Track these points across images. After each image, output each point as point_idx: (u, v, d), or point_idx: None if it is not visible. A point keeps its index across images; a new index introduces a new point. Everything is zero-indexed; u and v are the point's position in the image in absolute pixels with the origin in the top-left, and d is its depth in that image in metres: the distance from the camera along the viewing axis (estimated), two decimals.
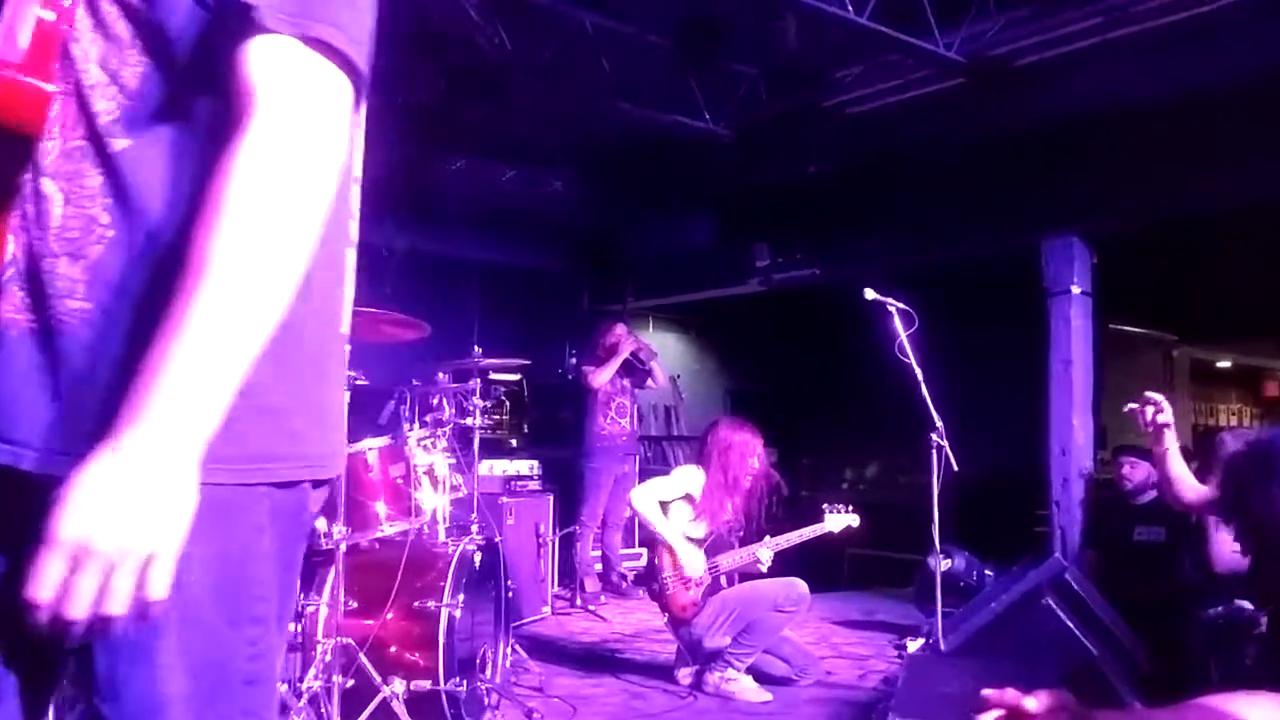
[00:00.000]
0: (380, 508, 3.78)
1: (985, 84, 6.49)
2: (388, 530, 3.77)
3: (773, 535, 5.18)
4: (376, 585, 3.72)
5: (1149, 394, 3.37)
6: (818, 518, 5.33)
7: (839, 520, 5.32)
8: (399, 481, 3.84)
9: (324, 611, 3.64)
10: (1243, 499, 2.35)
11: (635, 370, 7.77)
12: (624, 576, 7.59)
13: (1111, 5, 5.95)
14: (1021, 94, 6.52)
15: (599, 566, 7.67)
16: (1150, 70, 6.17)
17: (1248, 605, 4.13)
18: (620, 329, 7.81)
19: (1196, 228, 7.23)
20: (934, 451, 4.74)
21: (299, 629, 3.65)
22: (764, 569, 5.12)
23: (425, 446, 4.05)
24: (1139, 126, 6.48)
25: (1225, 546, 4.97)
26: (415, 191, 8.50)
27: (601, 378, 7.50)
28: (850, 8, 5.82)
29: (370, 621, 3.68)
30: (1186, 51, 5.95)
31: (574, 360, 9.13)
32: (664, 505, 5.04)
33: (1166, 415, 3.33)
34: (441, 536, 4.04)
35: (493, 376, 8.24)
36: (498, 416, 8.43)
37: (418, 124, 7.58)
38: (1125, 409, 3.43)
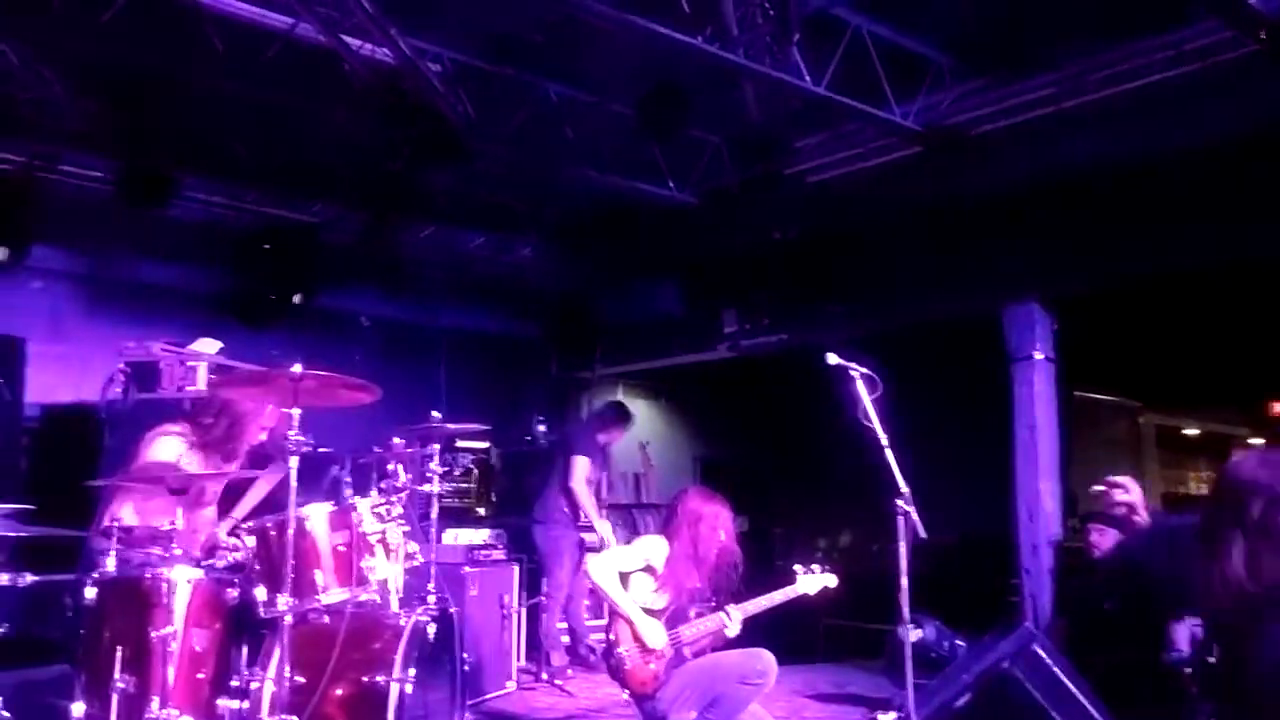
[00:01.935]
0: (319, 576, 3.67)
1: (943, 152, 6.59)
2: (324, 599, 3.66)
3: (740, 602, 5.04)
4: (324, 659, 3.59)
5: (1112, 477, 3.33)
6: (790, 583, 5.16)
7: (813, 581, 5.12)
8: (341, 549, 3.74)
9: (269, 687, 3.51)
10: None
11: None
12: (592, 649, 7.42)
13: (1064, 75, 6.07)
14: (979, 162, 6.62)
15: (566, 639, 7.52)
16: (1106, 137, 6.29)
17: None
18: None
19: (1159, 293, 7.30)
20: (900, 518, 4.68)
21: (244, 706, 3.52)
22: (731, 634, 4.97)
23: (379, 514, 3.95)
24: (1097, 192, 6.59)
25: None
26: (384, 259, 8.50)
27: (583, 494, 7.38)
28: (808, 78, 5.91)
29: (316, 697, 3.55)
30: (1142, 119, 6.07)
31: (542, 427, 9.06)
32: (624, 576, 4.92)
33: (1132, 495, 3.28)
34: (394, 607, 3.93)
35: (460, 444, 8.19)
36: (465, 485, 8.33)
37: (385, 192, 7.61)
38: (1091, 490, 3.39)
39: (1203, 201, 6.21)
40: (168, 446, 4.16)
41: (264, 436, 4.39)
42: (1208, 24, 5.46)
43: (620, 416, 7.88)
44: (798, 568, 5.20)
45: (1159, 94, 5.82)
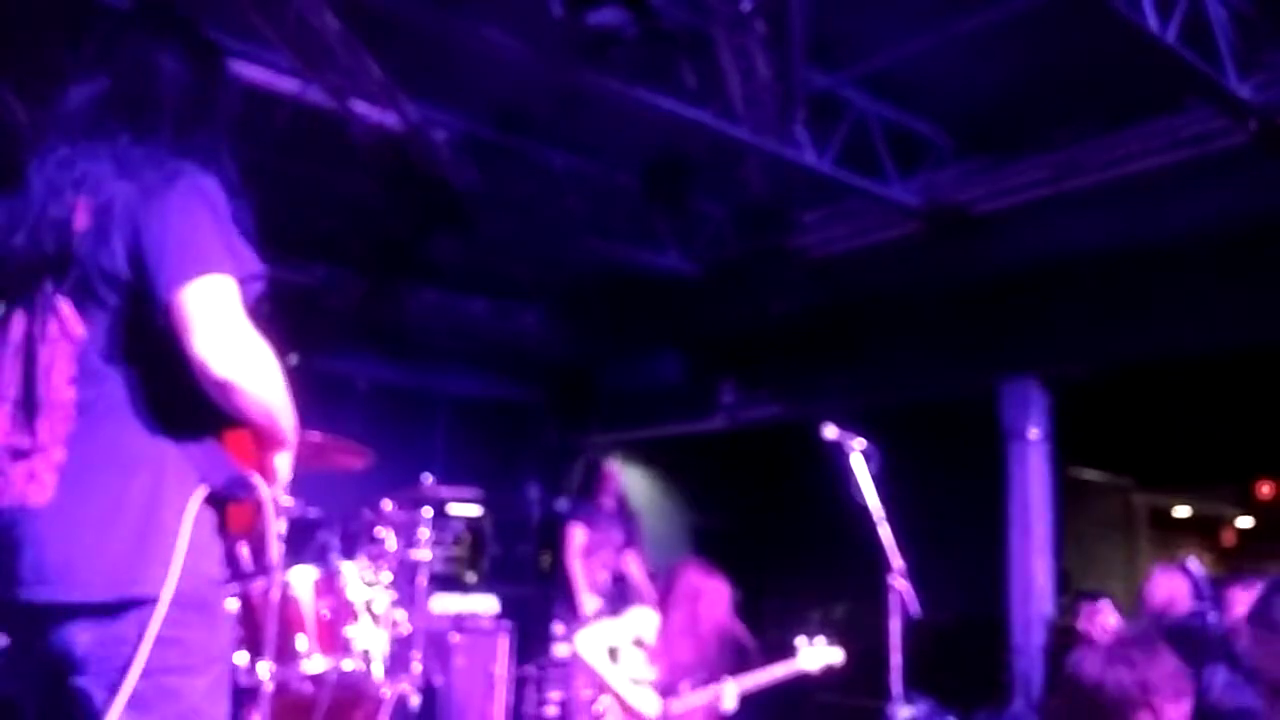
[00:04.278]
0: (301, 642, 3.61)
1: (944, 230, 6.65)
2: (307, 667, 3.60)
3: (737, 676, 4.91)
4: None
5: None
6: (788, 656, 4.94)
7: (816, 655, 4.89)
8: (325, 615, 3.68)
9: None
10: None
11: (630, 521, 7.36)
12: None
13: (1062, 157, 6.15)
14: (980, 239, 6.68)
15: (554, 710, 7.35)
16: (1104, 219, 6.36)
17: None
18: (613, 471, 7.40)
19: (1154, 374, 7.33)
20: (894, 594, 4.61)
21: None
22: (727, 708, 4.85)
23: (366, 580, 3.91)
24: (1096, 273, 6.64)
25: None
26: (384, 323, 8.54)
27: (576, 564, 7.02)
28: (812, 154, 5.99)
29: None
30: (1139, 202, 6.13)
31: (536, 495, 9.00)
32: (613, 651, 4.83)
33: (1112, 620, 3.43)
34: (378, 676, 3.86)
35: (453, 510, 8.11)
36: (456, 550, 8.24)
37: (388, 256, 7.67)
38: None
39: (1198, 286, 6.27)
40: None
41: None
42: (1202, 112, 5.55)
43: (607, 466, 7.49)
44: (800, 640, 4.98)
45: (1155, 179, 5.88)
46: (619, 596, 7.09)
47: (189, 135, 1.91)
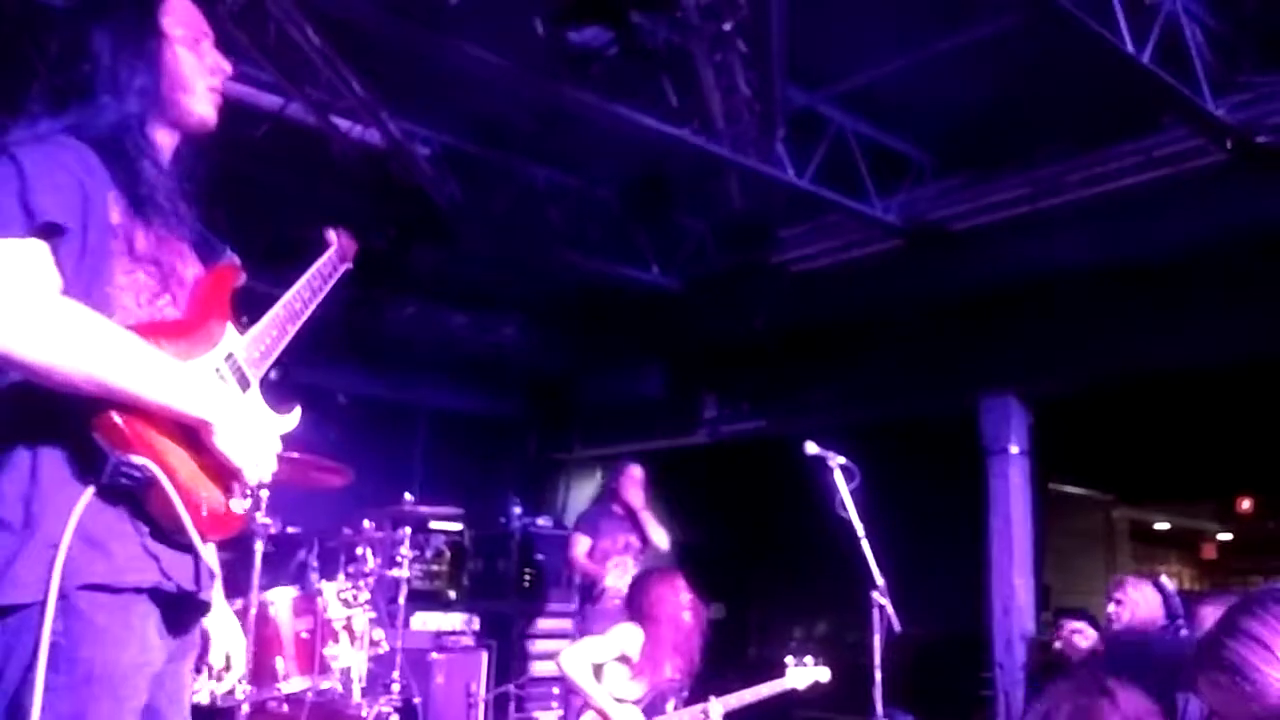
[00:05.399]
0: (280, 663, 3.58)
1: (923, 247, 6.68)
2: (284, 688, 3.57)
3: (722, 695, 4.87)
4: None
5: (1071, 622, 3.50)
6: (771, 675, 4.90)
7: (804, 675, 4.88)
8: (304, 635, 3.65)
9: None
10: None
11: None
12: None
13: (1040, 175, 6.19)
14: (959, 257, 6.71)
15: None
16: (1082, 238, 6.39)
17: None
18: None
19: (1134, 389, 7.36)
20: (875, 610, 4.60)
21: None
22: None
23: (345, 599, 3.88)
24: (1075, 290, 6.68)
25: None
26: (364, 335, 8.49)
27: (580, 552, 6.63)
28: (791, 171, 6.01)
29: None
30: (1115, 220, 6.18)
31: (517, 510, 8.96)
32: (597, 668, 4.79)
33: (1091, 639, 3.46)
34: (356, 697, 3.83)
35: (433, 525, 8.07)
36: (437, 567, 8.20)
37: (368, 268, 7.62)
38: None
39: (1176, 303, 6.32)
40: None
41: None
42: (1178, 132, 5.60)
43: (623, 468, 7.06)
44: (789, 660, 4.94)
45: (1133, 197, 5.93)
46: None
47: (94, 114, 1.89)
